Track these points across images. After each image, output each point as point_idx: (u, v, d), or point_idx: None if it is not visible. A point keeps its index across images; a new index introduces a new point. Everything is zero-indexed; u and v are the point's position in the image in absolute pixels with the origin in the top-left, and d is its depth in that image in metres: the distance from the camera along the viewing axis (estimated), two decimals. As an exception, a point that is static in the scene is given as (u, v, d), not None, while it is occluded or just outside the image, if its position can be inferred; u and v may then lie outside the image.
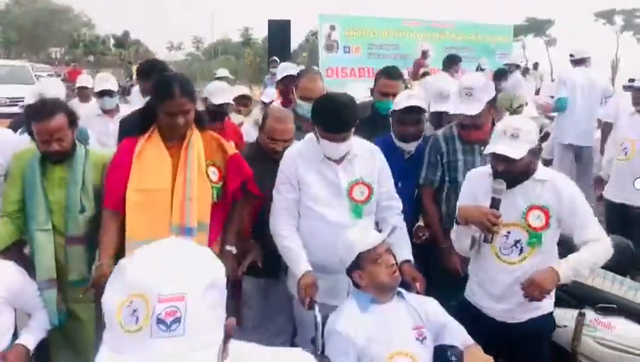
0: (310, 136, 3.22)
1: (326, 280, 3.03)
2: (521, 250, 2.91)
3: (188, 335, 1.12)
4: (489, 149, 2.84)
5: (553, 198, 2.89)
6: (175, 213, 3.01)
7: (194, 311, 1.12)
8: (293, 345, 3.37)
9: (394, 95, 3.90)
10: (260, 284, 3.57)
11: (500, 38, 11.12)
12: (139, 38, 60.06)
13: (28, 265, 3.11)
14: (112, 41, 56.50)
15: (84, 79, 6.76)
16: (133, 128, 3.24)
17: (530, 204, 2.89)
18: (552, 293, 3.02)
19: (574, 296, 3.21)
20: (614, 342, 3.14)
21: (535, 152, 2.90)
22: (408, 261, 3.12)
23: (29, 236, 3.17)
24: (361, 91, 4.84)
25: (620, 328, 3.17)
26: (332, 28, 11.18)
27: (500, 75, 8.71)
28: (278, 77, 5.18)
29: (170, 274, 1.14)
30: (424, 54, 10.21)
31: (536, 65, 12.13)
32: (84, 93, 6.53)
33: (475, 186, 3.04)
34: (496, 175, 2.89)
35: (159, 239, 2.85)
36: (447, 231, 3.36)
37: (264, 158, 3.49)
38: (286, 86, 4.92)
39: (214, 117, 4.29)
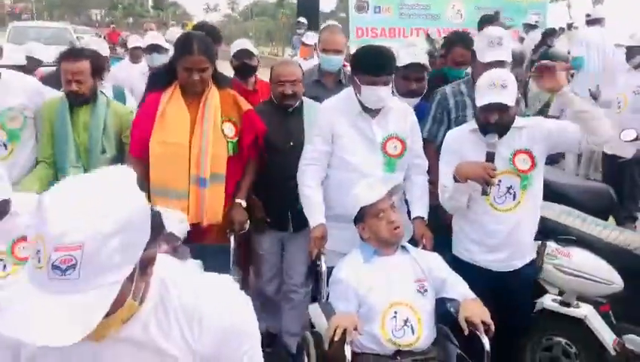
0: (346, 91, 3.33)
1: (348, 229, 3.05)
2: (515, 195, 3.03)
3: (82, 279, 1.12)
4: (484, 101, 2.92)
5: (532, 140, 3.03)
6: (192, 165, 3.21)
7: (91, 258, 1.12)
8: (314, 298, 3.44)
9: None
10: (275, 237, 3.71)
11: (534, -3, 10.98)
12: (176, 0, 60.29)
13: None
14: (150, 3, 56.86)
15: (134, 40, 7.01)
16: (160, 81, 3.44)
17: (515, 150, 3.02)
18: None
19: (542, 231, 3.35)
20: (572, 269, 3.29)
21: (518, 102, 3.08)
22: (421, 218, 3.23)
23: (60, 174, 3.46)
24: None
25: (577, 256, 3.32)
26: (364, -13, 11.19)
27: (548, 35, 8.75)
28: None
29: (71, 222, 1.13)
30: None
31: (570, 26, 11.84)
32: (135, 54, 6.75)
33: (460, 144, 3.12)
34: (485, 129, 2.98)
35: (179, 188, 3.01)
36: None
37: (276, 112, 3.62)
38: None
39: (242, 72, 4.34)
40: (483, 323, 2.56)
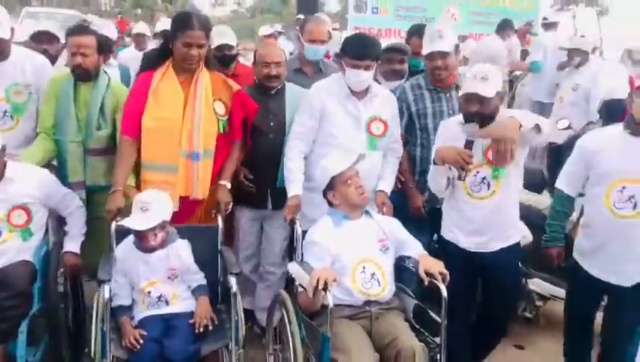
0: (336, 75, 3.63)
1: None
2: (489, 185, 3.23)
3: None
4: (464, 90, 3.15)
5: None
6: (184, 140, 3.37)
7: None
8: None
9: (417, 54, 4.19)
10: (254, 217, 3.90)
11: (526, 4, 11.35)
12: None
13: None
14: (160, -5, 57.08)
15: (140, 27, 7.46)
16: (153, 62, 3.60)
17: (489, 142, 3.16)
18: (519, 225, 3.45)
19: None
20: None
21: (501, 96, 3.22)
22: (383, 191, 3.56)
23: (58, 146, 3.64)
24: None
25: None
26: (362, -12, 11.58)
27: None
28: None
29: None
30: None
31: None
32: (139, 40, 7.22)
33: (449, 132, 3.31)
34: (467, 119, 3.16)
35: (170, 162, 3.34)
36: (423, 173, 3.71)
37: (259, 94, 3.79)
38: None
39: (222, 63, 4.25)
40: (440, 273, 2.90)
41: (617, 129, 3.18)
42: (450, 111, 3.80)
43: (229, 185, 3.54)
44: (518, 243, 3.41)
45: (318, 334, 2.83)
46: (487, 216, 3.26)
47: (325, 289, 2.74)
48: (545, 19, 8.84)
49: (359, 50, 3.46)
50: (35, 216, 3.28)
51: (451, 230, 3.40)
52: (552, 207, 3.46)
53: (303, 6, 12.63)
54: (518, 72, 9.27)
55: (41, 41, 4.51)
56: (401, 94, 3.92)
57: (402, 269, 3.18)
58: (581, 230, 3.43)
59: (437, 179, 3.32)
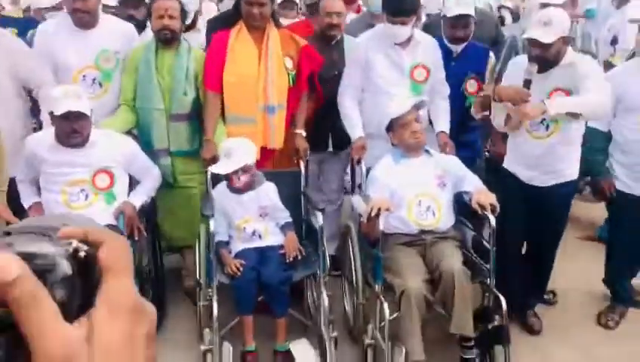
0: (381, 25, 3.84)
1: (382, 144, 3.62)
2: (547, 127, 3.39)
3: None
4: (526, 35, 3.30)
5: (574, 79, 3.26)
6: (260, 94, 3.67)
7: None
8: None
9: None
10: (314, 160, 4.17)
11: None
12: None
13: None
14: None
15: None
16: (218, 26, 3.88)
17: (553, 87, 3.31)
18: (577, 163, 3.55)
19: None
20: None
21: (567, 41, 3.29)
22: (442, 131, 3.81)
23: (140, 115, 3.73)
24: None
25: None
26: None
27: None
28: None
29: None
30: None
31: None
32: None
33: (515, 72, 3.43)
34: (530, 59, 3.29)
35: (250, 115, 3.67)
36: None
37: (321, 45, 4.01)
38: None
39: None
40: (490, 205, 3.15)
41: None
42: None
43: (304, 133, 3.84)
44: (572, 181, 3.59)
45: (372, 254, 3.22)
46: (543, 155, 3.47)
47: (378, 215, 3.09)
48: None
49: (394, 8, 3.66)
50: (117, 181, 3.36)
51: (512, 163, 3.62)
52: (590, 145, 3.64)
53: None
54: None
55: (127, 5, 4.51)
56: (512, 41, 4.13)
57: (464, 204, 3.44)
58: (614, 161, 3.73)
59: (496, 113, 3.53)
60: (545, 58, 3.25)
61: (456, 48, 4.05)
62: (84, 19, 3.69)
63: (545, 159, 3.49)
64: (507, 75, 3.56)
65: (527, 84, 3.28)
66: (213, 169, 3.42)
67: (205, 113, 3.73)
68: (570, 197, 3.76)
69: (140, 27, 4.26)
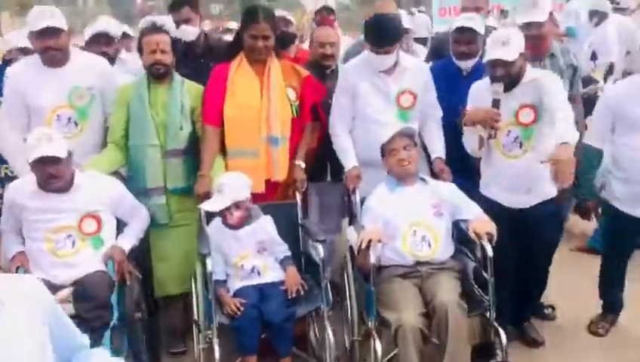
0: (366, 52, 3.76)
1: (374, 173, 3.55)
2: (521, 144, 3.36)
3: None
4: (487, 57, 3.28)
5: (539, 95, 3.30)
6: (263, 126, 3.61)
7: None
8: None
9: (475, 9, 4.22)
10: (312, 189, 4.12)
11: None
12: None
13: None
14: (264, -5, 58.72)
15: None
16: (225, 55, 3.80)
17: (520, 104, 3.34)
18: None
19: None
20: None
21: (525, 57, 3.33)
22: (438, 157, 3.69)
23: (133, 153, 3.63)
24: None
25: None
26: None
27: None
28: None
29: None
30: None
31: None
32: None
33: (479, 96, 3.46)
34: (493, 79, 3.32)
35: (252, 147, 3.60)
36: None
37: (316, 74, 3.98)
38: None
39: (281, 41, 4.22)
40: (487, 234, 3.06)
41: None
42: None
43: (303, 165, 3.76)
44: (551, 200, 3.48)
45: (364, 288, 3.09)
46: (521, 174, 3.39)
47: (368, 247, 2.99)
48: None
49: (376, 39, 3.62)
50: (105, 225, 3.26)
51: (489, 187, 3.55)
52: (583, 163, 3.53)
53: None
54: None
55: (99, 42, 4.32)
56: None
57: (463, 233, 3.31)
58: (614, 178, 3.62)
59: (469, 139, 3.51)
60: (509, 76, 3.29)
61: (466, 66, 3.97)
62: (56, 57, 3.59)
63: (522, 178, 3.42)
64: (471, 99, 3.53)
65: (496, 103, 3.32)
66: (204, 206, 3.34)
67: (203, 148, 3.66)
68: (557, 214, 3.66)
69: (111, 62, 4.17)
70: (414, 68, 3.81)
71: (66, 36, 3.60)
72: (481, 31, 3.90)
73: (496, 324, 3.03)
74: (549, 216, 3.53)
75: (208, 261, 3.16)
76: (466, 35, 3.88)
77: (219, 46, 4.32)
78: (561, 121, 3.16)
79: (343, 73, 3.91)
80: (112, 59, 4.22)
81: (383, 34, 3.62)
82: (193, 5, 4.17)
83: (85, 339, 1.88)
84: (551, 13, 3.84)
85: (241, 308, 3.16)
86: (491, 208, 3.38)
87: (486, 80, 3.46)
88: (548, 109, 3.28)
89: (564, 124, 3.16)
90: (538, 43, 3.74)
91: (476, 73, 3.89)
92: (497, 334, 3.01)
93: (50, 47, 3.53)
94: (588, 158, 3.63)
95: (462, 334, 2.90)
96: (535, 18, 3.70)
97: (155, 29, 3.68)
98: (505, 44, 3.23)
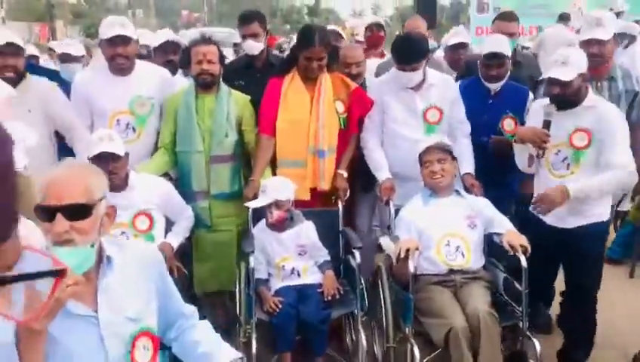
0: (394, 70, 3.90)
1: (402, 186, 3.75)
2: (568, 166, 3.38)
3: None
4: (544, 75, 3.34)
5: (596, 122, 3.29)
6: (311, 138, 3.79)
7: None
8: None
9: (509, 35, 4.27)
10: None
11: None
12: (331, 7, 62.44)
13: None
14: (305, 10, 59.50)
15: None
16: (231, 73, 4.04)
17: (576, 127, 3.33)
18: (608, 204, 3.48)
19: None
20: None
21: (585, 78, 3.32)
22: (468, 173, 3.77)
23: (181, 158, 3.80)
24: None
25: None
26: (484, -9, 11.83)
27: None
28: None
29: None
30: None
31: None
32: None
33: (536, 113, 3.51)
34: (551, 100, 3.35)
35: (300, 158, 3.81)
36: None
37: None
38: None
39: None
40: (521, 246, 3.14)
41: None
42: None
43: (345, 174, 3.90)
44: (602, 222, 3.47)
45: (402, 296, 3.20)
46: None
47: (407, 256, 3.10)
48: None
49: (400, 57, 3.78)
50: (156, 222, 3.42)
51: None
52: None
53: (422, 6, 12.87)
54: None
55: (167, 51, 4.69)
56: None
57: (495, 245, 3.41)
58: None
59: (519, 156, 3.60)
60: (565, 96, 3.30)
61: (495, 87, 4.04)
62: (124, 65, 3.81)
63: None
64: (530, 116, 3.61)
65: (547, 125, 3.36)
66: (249, 204, 3.52)
67: (256, 155, 3.82)
68: (602, 239, 3.59)
69: (174, 71, 4.42)
70: (441, 84, 3.93)
71: (134, 45, 3.83)
72: (509, 53, 3.97)
73: (529, 334, 3.11)
74: (595, 241, 3.51)
75: (251, 259, 3.33)
76: (494, 60, 3.93)
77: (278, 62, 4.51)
78: (605, 172, 3.25)
79: (373, 89, 4.09)
80: (174, 68, 4.49)
81: (408, 53, 3.77)
82: (262, 21, 4.36)
83: (189, 309, 2.22)
84: (615, 35, 3.82)
85: (280, 306, 3.31)
86: (534, 225, 3.45)
87: (545, 99, 3.49)
88: (600, 139, 3.30)
89: (605, 176, 3.26)
90: (598, 62, 3.76)
91: (503, 93, 3.99)
92: (531, 344, 3.09)
93: (118, 54, 3.77)
94: None
95: (495, 341, 2.99)
96: (597, 35, 3.72)
97: (204, 40, 3.84)
98: (564, 64, 3.26)
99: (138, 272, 1.97)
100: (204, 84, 3.78)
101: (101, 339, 1.79)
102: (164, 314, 2.06)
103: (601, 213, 3.46)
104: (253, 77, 4.27)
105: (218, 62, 3.79)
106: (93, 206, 1.77)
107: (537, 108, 3.53)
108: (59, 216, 1.69)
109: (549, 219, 3.44)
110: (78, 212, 1.73)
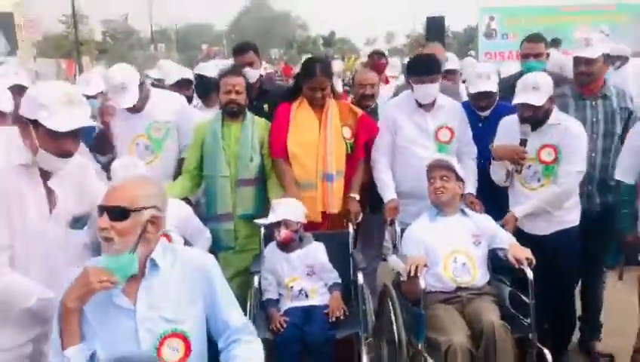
0: (406, 92, 4.08)
1: (413, 204, 3.85)
2: (539, 179, 3.67)
3: None
4: (516, 100, 3.53)
5: (561, 138, 3.59)
6: (319, 162, 3.93)
7: None
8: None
9: (535, 55, 4.42)
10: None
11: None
12: (346, 37, 63.19)
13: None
14: (320, 41, 60.26)
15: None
16: (287, 97, 4.14)
17: (542, 144, 3.62)
18: (576, 210, 3.73)
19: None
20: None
21: (552, 100, 3.61)
22: (469, 193, 3.85)
23: (207, 182, 4.00)
24: (515, 68, 5.68)
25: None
26: (491, 18, 12.21)
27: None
28: None
29: None
30: None
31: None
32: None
33: (507, 130, 3.73)
34: (522, 120, 3.59)
35: (310, 181, 3.93)
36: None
37: None
38: None
39: None
40: (526, 258, 3.25)
41: None
42: (594, 119, 3.90)
43: (357, 197, 4.00)
44: (573, 227, 3.73)
45: (414, 312, 3.25)
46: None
47: (417, 273, 3.18)
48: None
49: (421, 68, 3.96)
50: (175, 244, 3.38)
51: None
52: (620, 198, 3.68)
53: (431, 31, 13.18)
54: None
55: (181, 87, 5.11)
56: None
57: (499, 261, 3.50)
58: None
59: (497, 171, 3.80)
60: (536, 118, 3.59)
61: (484, 113, 4.19)
62: (133, 109, 4.05)
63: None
64: (499, 134, 3.81)
65: (524, 143, 3.62)
66: (258, 221, 3.65)
67: (280, 178, 3.97)
68: (574, 243, 3.77)
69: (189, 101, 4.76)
70: (449, 106, 4.11)
71: (137, 94, 4.00)
72: (495, 87, 4.08)
73: (539, 345, 3.17)
74: (568, 245, 3.72)
75: (255, 278, 3.44)
76: (484, 98, 4.09)
77: (273, 89, 4.81)
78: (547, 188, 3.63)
79: (385, 110, 4.25)
80: (189, 101, 4.80)
81: (427, 64, 3.99)
82: (255, 50, 4.66)
83: (239, 322, 2.34)
84: (607, 56, 3.94)
85: (284, 326, 3.37)
86: (519, 235, 3.63)
87: (514, 117, 3.70)
88: (568, 152, 3.59)
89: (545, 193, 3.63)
90: (586, 80, 3.90)
91: (494, 115, 4.10)
92: (541, 354, 3.16)
93: (132, 108, 4.03)
94: (622, 193, 3.68)
95: (509, 352, 3.04)
96: (585, 54, 3.85)
97: (233, 71, 4.06)
98: (535, 89, 3.53)
99: (183, 277, 2.22)
100: (232, 113, 3.97)
101: (135, 331, 2.07)
102: (212, 322, 2.26)
103: (572, 218, 3.74)
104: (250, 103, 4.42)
105: (245, 92, 3.99)
106: (133, 211, 2.08)
107: (506, 125, 3.77)
108: (104, 214, 2.06)
109: (525, 225, 3.72)
110: (118, 213, 2.05)
